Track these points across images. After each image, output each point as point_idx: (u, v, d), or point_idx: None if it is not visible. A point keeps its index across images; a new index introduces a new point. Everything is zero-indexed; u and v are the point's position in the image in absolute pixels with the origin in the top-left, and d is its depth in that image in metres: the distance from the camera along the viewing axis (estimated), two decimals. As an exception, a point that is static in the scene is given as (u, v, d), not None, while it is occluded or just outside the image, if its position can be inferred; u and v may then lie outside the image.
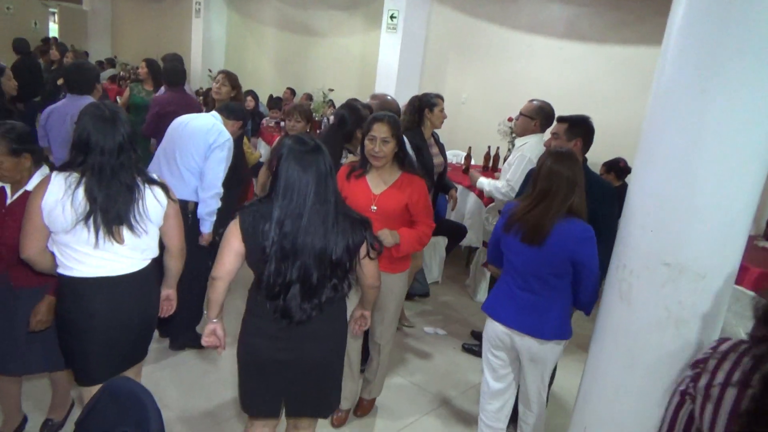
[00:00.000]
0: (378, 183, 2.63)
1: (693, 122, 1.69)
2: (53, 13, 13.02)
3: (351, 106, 3.31)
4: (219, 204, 3.19)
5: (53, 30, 13.05)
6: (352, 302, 2.29)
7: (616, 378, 1.99)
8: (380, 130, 2.51)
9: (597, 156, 4.64)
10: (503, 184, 3.67)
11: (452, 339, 4.08)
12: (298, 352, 1.97)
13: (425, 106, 3.71)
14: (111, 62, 10.63)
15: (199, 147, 3.14)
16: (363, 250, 1.99)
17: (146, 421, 1.52)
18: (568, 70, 5.76)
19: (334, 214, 1.87)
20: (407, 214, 2.64)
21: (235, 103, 3.63)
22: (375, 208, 2.58)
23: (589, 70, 5.63)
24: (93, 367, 2.11)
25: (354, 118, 3.21)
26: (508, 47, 6.27)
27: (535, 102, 3.67)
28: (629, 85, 5.26)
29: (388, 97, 3.44)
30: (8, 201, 2.23)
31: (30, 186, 2.21)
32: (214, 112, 3.34)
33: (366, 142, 2.56)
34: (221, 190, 3.20)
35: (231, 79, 4.08)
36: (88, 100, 3.43)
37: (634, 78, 5.18)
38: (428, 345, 3.96)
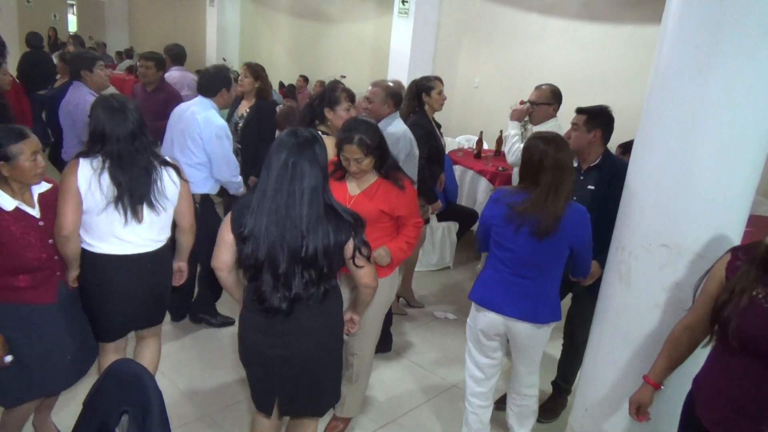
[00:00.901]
0: (356, 184, 2.50)
1: (691, 103, 1.67)
2: (72, 5, 13.19)
3: (327, 86, 3.24)
4: (240, 179, 3.38)
5: (72, 22, 13.22)
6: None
7: (617, 360, 2.00)
8: (351, 151, 2.33)
9: (615, 137, 4.57)
10: (515, 153, 3.45)
11: (462, 323, 4.07)
12: (286, 348, 1.98)
13: (422, 90, 3.67)
14: (129, 53, 10.75)
15: (194, 140, 3.20)
16: (348, 251, 1.94)
17: (148, 401, 1.57)
18: (583, 52, 5.67)
19: (315, 208, 1.84)
20: (385, 217, 2.48)
21: (211, 74, 3.41)
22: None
23: (604, 51, 5.54)
24: (112, 326, 2.39)
25: (323, 98, 3.06)
26: (521, 30, 6.19)
27: (544, 86, 3.54)
28: (645, 64, 5.16)
29: (390, 83, 3.40)
30: (35, 199, 2.16)
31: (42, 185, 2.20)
32: (199, 99, 3.31)
33: (341, 156, 2.39)
34: (236, 168, 3.34)
35: (252, 69, 4.09)
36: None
37: (651, 57, 5.08)
38: (438, 329, 3.98)
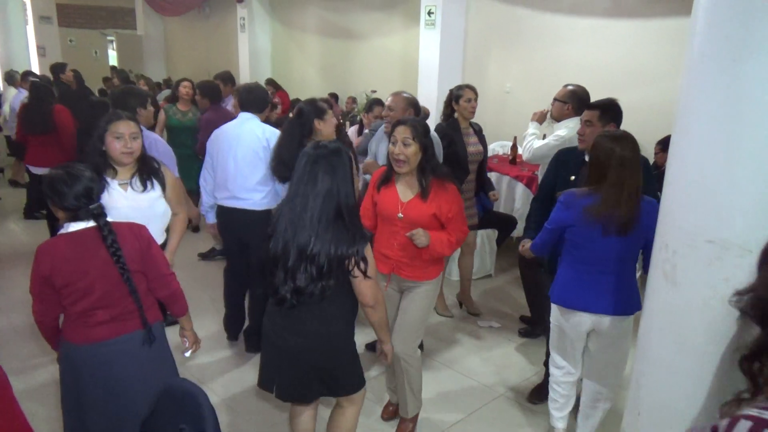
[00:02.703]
0: (406, 191, 2.59)
1: (727, 93, 1.63)
2: (111, 41, 13.76)
3: (309, 100, 3.37)
4: None
5: (112, 57, 13.79)
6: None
7: (667, 361, 1.94)
8: (401, 132, 2.48)
9: (651, 134, 4.50)
10: (530, 149, 3.67)
11: (507, 331, 4.06)
12: (284, 340, 2.14)
13: (453, 98, 3.85)
14: (167, 83, 11.13)
15: (261, 158, 3.30)
16: (351, 263, 2.05)
17: (202, 419, 1.63)
18: (613, 49, 5.58)
19: (325, 213, 2.00)
20: (436, 222, 2.56)
21: (252, 92, 3.58)
22: (401, 215, 2.56)
23: (634, 47, 5.44)
24: None
25: (311, 109, 3.20)
26: (550, 32, 6.14)
27: (569, 87, 3.67)
28: (677, 58, 5.04)
29: (405, 94, 3.49)
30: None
31: None
32: (245, 114, 3.42)
33: (390, 146, 2.54)
34: None
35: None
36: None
37: (682, 51, 4.96)
38: (483, 338, 3.95)
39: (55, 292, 1.99)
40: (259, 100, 3.50)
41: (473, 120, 3.97)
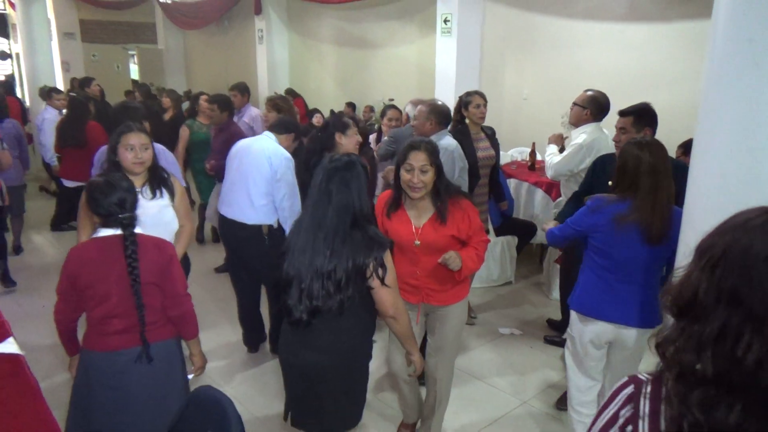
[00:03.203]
0: (418, 215, 2.43)
1: (750, 97, 1.62)
2: (133, 55, 14.03)
3: (334, 113, 3.42)
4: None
5: (134, 71, 14.06)
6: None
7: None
8: (417, 159, 2.30)
9: (671, 138, 4.44)
10: (551, 166, 3.72)
11: (528, 338, 4.03)
12: (300, 358, 2.10)
13: (462, 104, 3.88)
14: (187, 96, 11.30)
15: (263, 173, 3.30)
16: (369, 271, 2.01)
17: (228, 426, 1.65)
18: (631, 53, 5.54)
19: (342, 226, 1.98)
20: (456, 242, 2.43)
21: (282, 118, 3.73)
22: (419, 242, 2.41)
23: (653, 51, 5.40)
24: None
25: (335, 122, 3.26)
26: (566, 37, 6.12)
27: (589, 92, 3.67)
28: (697, 61, 5.00)
29: (424, 104, 3.53)
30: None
31: None
32: (267, 132, 3.49)
33: (402, 172, 2.35)
34: (298, 202, 3.33)
35: (272, 103, 4.42)
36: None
37: (702, 54, 4.91)
38: (504, 345, 3.93)
39: (77, 294, 2.07)
40: (283, 123, 3.53)
41: (485, 124, 3.98)
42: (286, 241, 2.12)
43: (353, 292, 2.01)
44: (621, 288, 2.32)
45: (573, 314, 2.49)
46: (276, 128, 3.49)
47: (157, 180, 2.74)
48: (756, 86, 1.60)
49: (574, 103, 3.68)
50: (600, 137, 3.58)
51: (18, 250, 5.64)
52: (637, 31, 5.54)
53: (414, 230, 2.41)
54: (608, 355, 2.49)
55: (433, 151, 2.33)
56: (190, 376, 2.35)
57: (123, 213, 2.06)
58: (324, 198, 2.01)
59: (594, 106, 3.59)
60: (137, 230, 2.11)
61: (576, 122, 3.68)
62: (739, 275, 0.85)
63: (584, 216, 2.40)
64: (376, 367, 3.22)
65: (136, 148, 2.61)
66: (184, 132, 5.34)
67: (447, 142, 3.36)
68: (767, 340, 0.82)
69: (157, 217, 2.69)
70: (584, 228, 2.40)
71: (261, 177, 3.31)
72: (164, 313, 2.16)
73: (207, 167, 4.85)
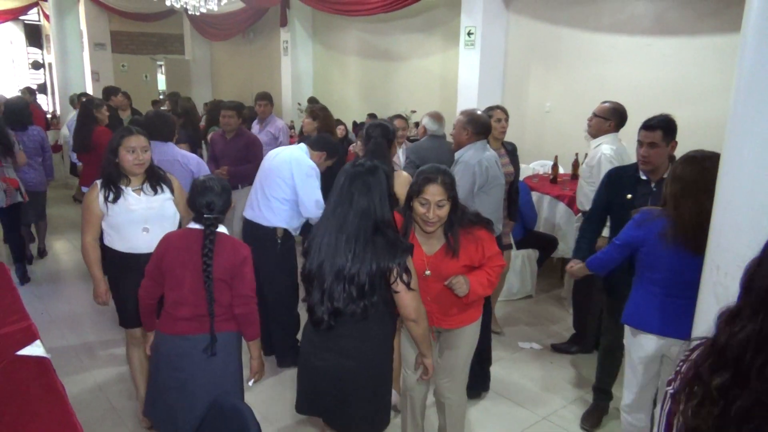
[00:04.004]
0: (429, 243, 2.32)
1: (780, 112, 1.59)
2: (160, 66, 14.32)
3: (379, 122, 3.39)
4: None
5: (161, 81, 14.34)
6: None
7: (720, 387, 1.88)
8: (434, 193, 2.17)
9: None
10: (587, 196, 3.67)
11: (549, 353, 3.98)
12: (325, 360, 2.11)
13: None
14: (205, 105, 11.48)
15: (284, 178, 3.37)
16: (393, 276, 2.01)
17: (247, 432, 1.66)
18: (658, 67, 5.48)
19: (363, 232, 2.00)
20: (469, 271, 2.32)
21: (321, 135, 3.83)
22: (429, 272, 2.31)
23: (681, 65, 5.34)
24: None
25: (386, 130, 3.25)
26: (591, 51, 6.09)
27: (607, 104, 3.74)
28: (727, 75, 4.93)
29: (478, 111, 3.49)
30: None
31: None
32: (302, 144, 3.56)
33: (415, 204, 2.21)
34: (321, 204, 3.30)
35: (310, 111, 4.46)
36: (171, 146, 3.71)
37: (732, 67, 4.84)
38: (524, 360, 3.89)
39: (161, 275, 2.29)
40: (319, 141, 3.57)
41: (506, 139, 3.95)
42: (308, 239, 2.14)
43: (378, 298, 2.02)
44: (671, 302, 2.32)
45: (627, 328, 2.52)
46: (309, 141, 3.57)
47: (156, 177, 2.88)
48: (786, 102, 1.57)
49: (596, 115, 3.72)
50: (620, 147, 3.65)
51: (42, 253, 5.83)
52: (664, 45, 5.48)
53: (425, 259, 2.32)
54: (661, 367, 2.48)
55: (450, 184, 2.22)
56: (250, 383, 2.45)
57: (210, 214, 2.27)
58: (345, 201, 2.04)
59: (617, 117, 3.67)
60: (220, 229, 2.31)
61: (597, 133, 3.74)
62: None
63: (631, 230, 2.40)
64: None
65: (137, 151, 2.74)
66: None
67: (467, 156, 3.24)
68: None
69: (161, 210, 2.84)
70: (632, 242, 2.40)
71: (282, 181, 3.38)
72: (230, 310, 2.30)
73: (220, 173, 4.85)
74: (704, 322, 1.93)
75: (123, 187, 2.77)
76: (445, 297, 2.35)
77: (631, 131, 3.36)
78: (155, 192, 2.84)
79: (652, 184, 2.85)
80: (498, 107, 3.86)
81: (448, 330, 2.50)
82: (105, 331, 4.15)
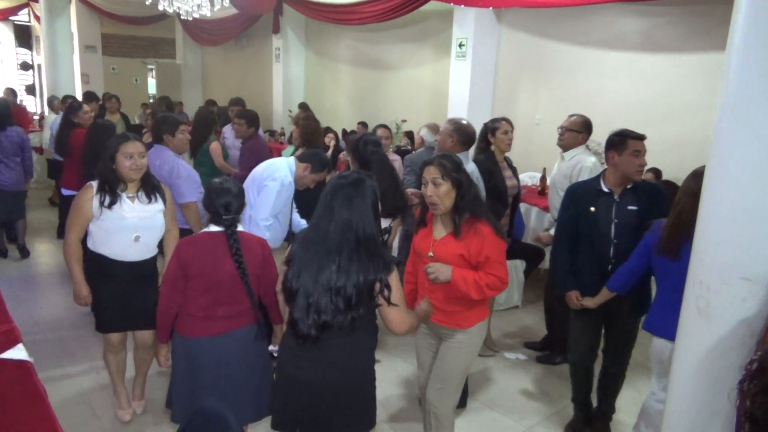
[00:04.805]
0: (441, 228, 2.46)
1: (762, 130, 1.63)
2: (151, 69, 14.28)
3: (346, 132, 3.47)
4: (266, 235, 3.17)
5: (152, 85, 14.29)
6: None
7: (701, 399, 1.90)
8: (429, 172, 2.36)
9: (683, 168, 4.44)
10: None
11: (534, 363, 4.00)
12: (309, 374, 2.08)
13: (488, 131, 3.82)
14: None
15: (254, 188, 3.33)
16: (375, 290, 2.02)
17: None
18: (645, 83, 5.58)
19: (346, 244, 1.98)
20: (465, 263, 2.37)
21: (313, 150, 3.77)
22: (432, 254, 2.43)
23: (667, 81, 5.43)
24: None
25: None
26: (580, 65, 6.18)
27: (576, 117, 3.88)
28: (712, 93, 5.02)
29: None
30: None
31: None
32: (290, 157, 3.52)
33: (423, 189, 2.41)
34: (268, 222, 3.30)
35: (294, 119, 4.46)
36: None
37: (717, 85, 4.93)
38: (509, 370, 3.90)
39: (184, 282, 2.34)
40: (307, 155, 3.53)
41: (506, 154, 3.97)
42: (288, 250, 2.13)
43: (364, 310, 2.02)
44: (678, 306, 2.36)
45: (653, 337, 2.66)
46: (299, 155, 3.57)
47: (150, 186, 2.89)
48: (768, 120, 1.61)
49: (568, 129, 3.84)
50: (591, 158, 3.79)
51: (23, 251, 5.76)
52: (652, 62, 5.58)
53: (432, 241, 2.46)
54: None
55: (446, 165, 2.34)
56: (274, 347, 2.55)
57: (227, 215, 2.34)
58: (327, 213, 2.03)
59: (588, 130, 3.83)
60: (239, 228, 2.38)
61: (571, 146, 3.85)
62: None
63: (646, 239, 2.62)
64: (386, 394, 3.19)
65: (134, 156, 2.76)
66: (217, 148, 5.12)
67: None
68: None
69: (153, 220, 2.84)
70: (648, 250, 2.60)
71: (252, 195, 3.30)
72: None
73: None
74: (687, 336, 1.96)
75: (120, 193, 2.78)
76: (440, 286, 2.42)
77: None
78: (149, 200, 2.84)
79: (615, 196, 2.87)
80: (504, 119, 3.83)
81: (449, 331, 2.49)
82: (87, 337, 4.10)
